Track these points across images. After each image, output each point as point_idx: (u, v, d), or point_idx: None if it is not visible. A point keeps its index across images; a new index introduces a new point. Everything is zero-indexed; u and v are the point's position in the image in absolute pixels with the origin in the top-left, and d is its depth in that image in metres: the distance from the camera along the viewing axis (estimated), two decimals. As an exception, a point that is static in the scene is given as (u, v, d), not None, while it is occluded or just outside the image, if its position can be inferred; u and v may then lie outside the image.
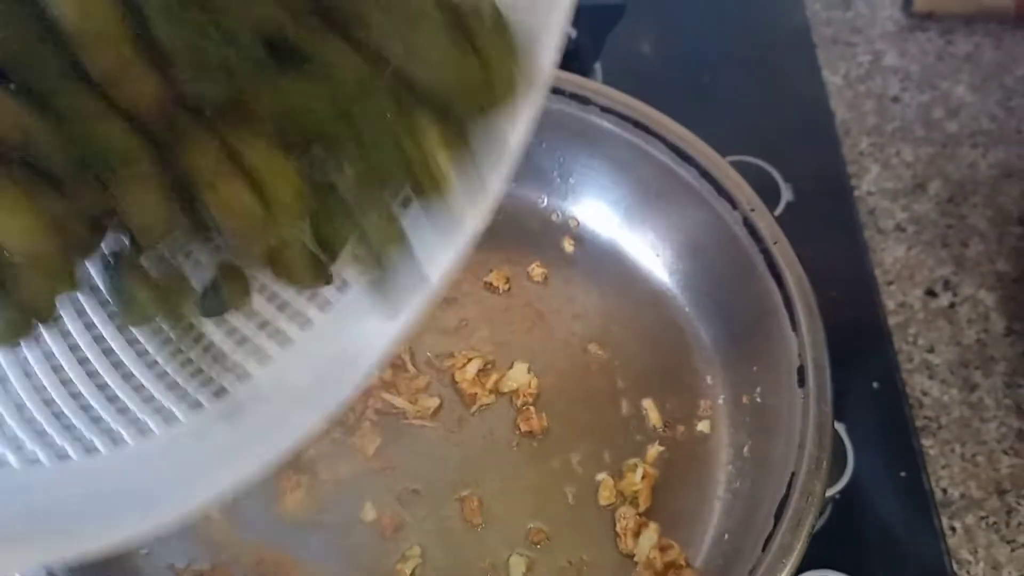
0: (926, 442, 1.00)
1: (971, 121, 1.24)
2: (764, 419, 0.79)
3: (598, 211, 0.97)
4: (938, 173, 1.20)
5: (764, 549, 0.66)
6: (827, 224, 1.14)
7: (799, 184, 1.15)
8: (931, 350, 1.07)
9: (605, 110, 0.87)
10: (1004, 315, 1.09)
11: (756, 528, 0.68)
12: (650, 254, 0.94)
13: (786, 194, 1.13)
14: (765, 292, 0.79)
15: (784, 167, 1.13)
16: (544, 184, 0.98)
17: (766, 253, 0.79)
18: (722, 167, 0.82)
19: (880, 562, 0.92)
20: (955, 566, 0.93)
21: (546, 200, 0.99)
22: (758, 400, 0.81)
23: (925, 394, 1.04)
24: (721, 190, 0.82)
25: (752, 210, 0.80)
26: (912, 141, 1.23)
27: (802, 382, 0.72)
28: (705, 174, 0.83)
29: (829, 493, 0.86)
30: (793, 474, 0.68)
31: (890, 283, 1.11)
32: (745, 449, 0.81)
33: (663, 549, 0.78)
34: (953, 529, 0.96)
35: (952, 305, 1.10)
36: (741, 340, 0.85)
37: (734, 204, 0.82)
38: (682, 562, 0.78)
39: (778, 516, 0.67)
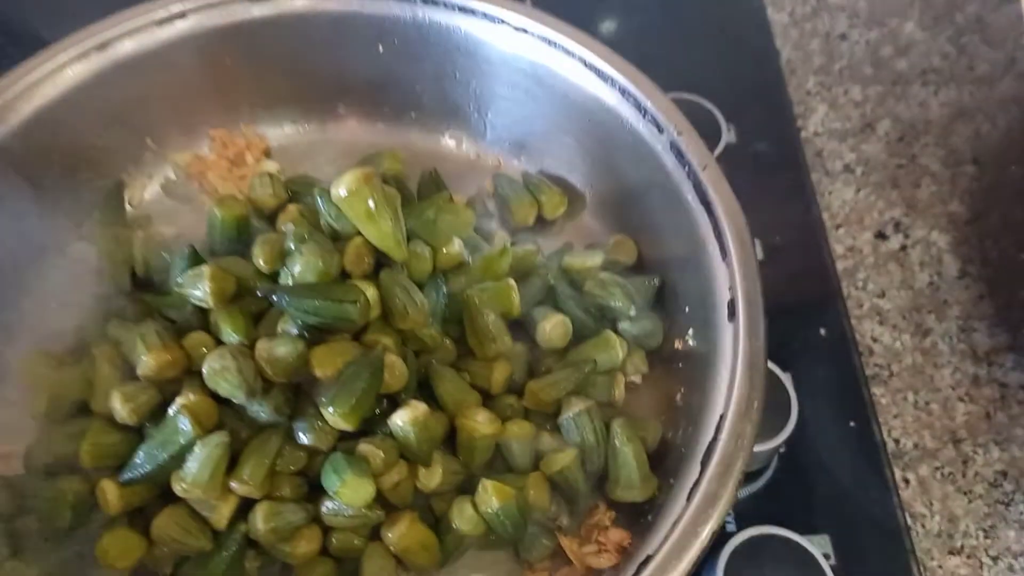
0: (877, 391, 0.93)
1: (921, 59, 1.17)
2: (696, 363, 0.70)
3: (520, 148, 0.89)
4: (888, 113, 1.12)
5: (689, 498, 0.57)
6: (772, 167, 1.06)
7: (742, 125, 1.06)
8: (882, 295, 0.99)
9: (519, 30, 0.78)
10: (957, 257, 1.01)
11: (683, 477, 0.60)
12: (579, 195, 0.86)
13: (727, 135, 1.04)
14: (693, 222, 0.70)
15: (726, 106, 1.05)
16: (460, 122, 0.89)
17: (695, 178, 0.70)
18: (647, 87, 0.74)
19: (829, 518, 0.84)
20: (909, 520, 0.85)
21: (463, 140, 0.91)
22: (690, 344, 0.72)
23: (876, 341, 0.96)
24: (645, 112, 0.73)
25: (679, 134, 0.72)
26: (860, 80, 1.15)
27: (732, 315, 0.64)
28: (627, 94, 0.74)
29: (772, 445, 0.78)
30: (722, 416, 0.60)
31: (838, 227, 1.04)
32: (678, 397, 0.73)
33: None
34: (907, 481, 0.88)
35: (903, 248, 1.02)
36: (673, 278, 0.77)
37: (659, 127, 0.73)
38: (606, 522, 0.70)
39: (704, 463, 0.59)
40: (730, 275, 0.66)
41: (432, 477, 0.66)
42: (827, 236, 1.01)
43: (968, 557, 0.84)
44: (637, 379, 0.77)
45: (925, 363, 0.95)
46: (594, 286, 0.76)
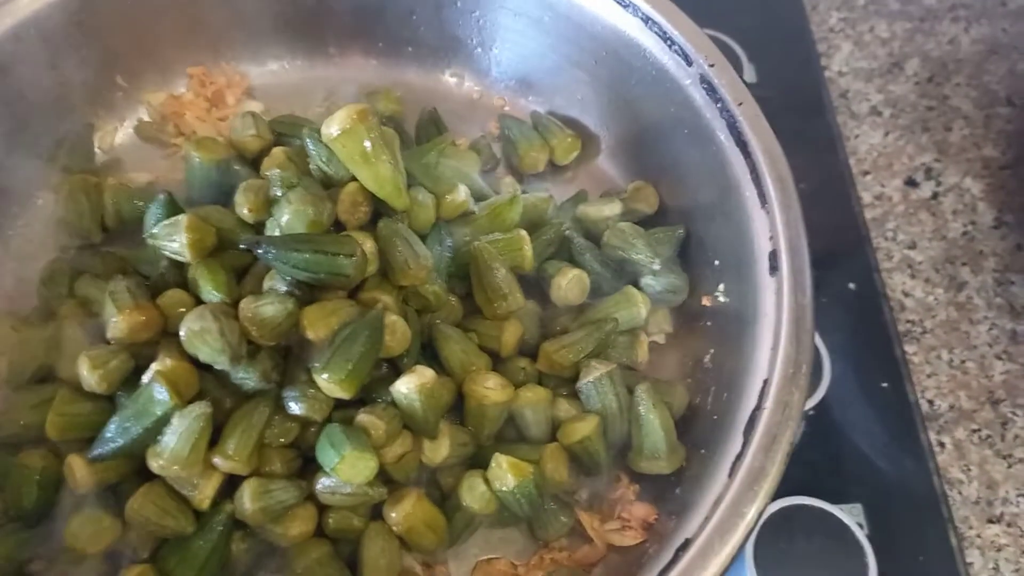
0: (909, 349, 0.86)
1: (952, -7, 1.09)
2: (728, 321, 0.63)
3: (527, 86, 0.80)
4: (916, 51, 1.04)
5: (731, 474, 0.51)
6: (794, 108, 0.97)
7: (762, 63, 0.98)
8: (912, 246, 0.92)
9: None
10: (992, 205, 0.94)
11: (722, 450, 0.53)
12: (593, 137, 0.78)
13: (748, 73, 0.96)
14: (726, 164, 0.63)
15: (745, 43, 0.97)
16: (461, 57, 0.81)
17: (728, 116, 0.62)
18: (673, 14, 0.66)
19: (861, 486, 0.78)
20: (945, 486, 0.79)
21: (465, 77, 0.82)
22: (720, 300, 0.65)
23: (907, 295, 0.89)
24: (672, 42, 0.65)
25: (711, 66, 0.64)
26: (887, 15, 1.07)
27: (774, 268, 0.57)
28: (651, 22, 0.65)
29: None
30: (765, 382, 0.53)
31: (866, 173, 0.96)
32: (707, 359, 0.65)
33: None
34: (942, 445, 0.82)
35: (935, 196, 0.95)
36: (699, 229, 0.69)
37: (688, 59, 0.65)
38: (630, 496, 0.63)
39: (747, 434, 0.52)
40: (771, 223, 0.58)
41: (438, 450, 0.59)
42: (854, 183, 0.94)
43: (1008, 525, 0.78)
44: (660, 339, 0.69)
45: (960, 319, 0.88)
46: (613, 237, 0.68)
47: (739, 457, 0.51)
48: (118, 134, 0.78)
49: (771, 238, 0.58)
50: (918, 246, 0.92)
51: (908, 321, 0.87)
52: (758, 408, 0.52)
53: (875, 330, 0.86)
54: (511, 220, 0.68)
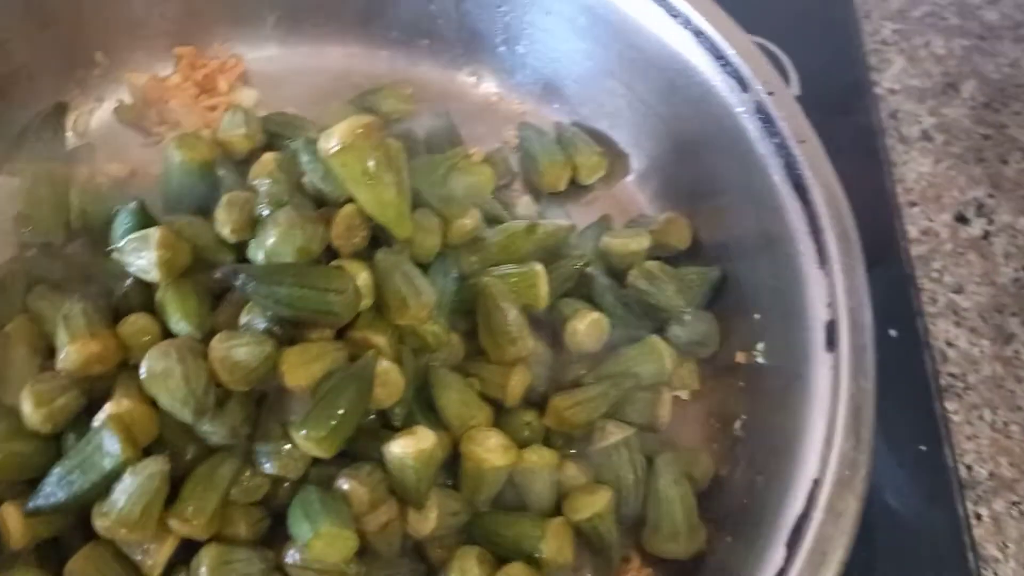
0: (950, 406, 0.77)
1: (1015, 10, 0.99)
2: (767, 386, 0.55)
3: (553, 93, 0.71)
4: (973, 72, 0.95)
5: (771, 595, 0.42)
6: (840, 126, 0.88)
7: (808, 74, 0.89)
8: (959, 290, 0.83)
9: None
10: (1047, 249, 0.86)
11: (757, 554, 0.45)
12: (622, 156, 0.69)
13: (794, 84, 0.87)
14: (779, 210, 0.54)
15: (792, 50, 0.87)
16: (482, 55, 0.71)
17: (786, 155, 0.53)
18: (729, 30, 0.56)
19: (890, 558, 0.70)
20: (979, 563, 0.71)
21: (484, 77, 0.73)
22: (759, 360, 0.56)
23: (951, 345, 0.81)
24: (725, 62, 0.56)
25: (770, 93, 0.55)
26: (944, 30, 0.97)
27: (832, 343, 0.48)
28: (703, 36, 0.56)
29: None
30: (816, 483, 0.44)
31: (913, 204, 0.87)
32: (737, 424, 0.57)
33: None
34: (979, 516, 0.74)
35: (986, 235, 0.86)
36: (738, 273, 0.60)
37: (743, 84, 0.56)
38: (643, 578, 0.55)
39: (792, 545, 0.43)
40: (829, 288, 0.50)
41: (426, 521, 0.51)
42: (900, 215, 0.85)
43: (1046, 612, 0.70)
44: (684, 395, 0.61)
45: (1006, 375, 0.79)
46: (640, 278, 0.60)
47: (781, 573, 0.43)
48: (94, 116, 0.70)
49: (829, 305, 0.49)
50: (965, 290, 0.83)
51: (950, 374, 0.79)
52: (805, 515, 0.44)
53: (915, 383, 0.77)
54: (526, 251, 0.60)
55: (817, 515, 0.44)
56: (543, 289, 0.58)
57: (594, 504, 0.53)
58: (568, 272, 0.61)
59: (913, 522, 0.72)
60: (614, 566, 0.55)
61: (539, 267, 0.58)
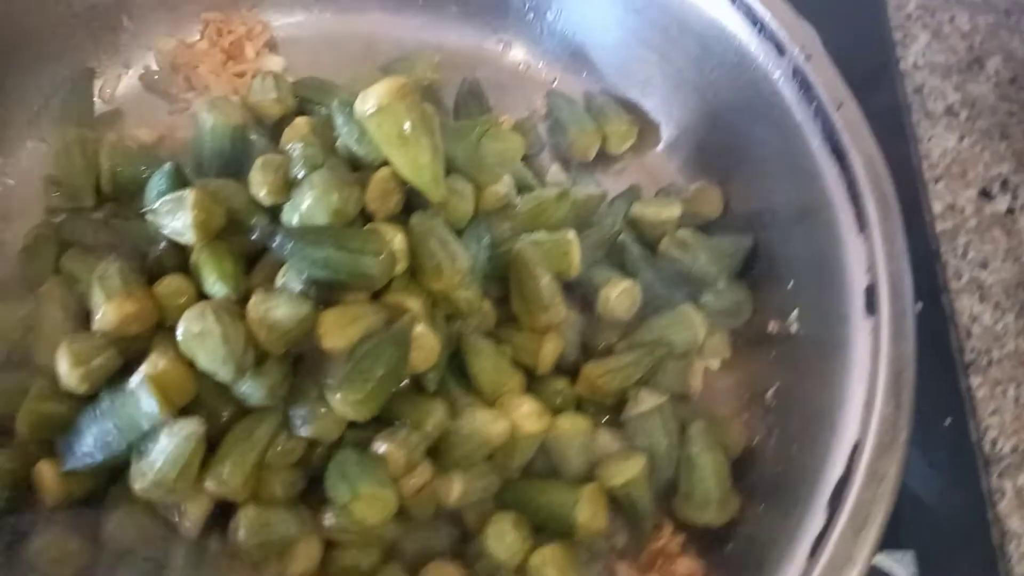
0: (974, 381, 0.77)
1: (1042, -14, 0.98)
2: (801, 355, 0.54)
3: (583, 61, 0.70)
4: (1000, 47, 0.94)
5: (813, 555, 0.42)
6: (865, 102, 0.87)
7: (833, 49, 0.88)
8: (984, 265, 0.83)
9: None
10: (1073, 226, 0.85)
11: (796, 518, 0.45)
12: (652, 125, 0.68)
13: (819, 59, 0.86)
14: (816, 176, 0.53)
15: (817, 22, 0.86)
16: (510, 22, 0.71)
17: (824, 121, 0.53)
18: (766, -6, 0.56)
19: (914, 531, 0.70)
20: (1004, 538, 0.71)
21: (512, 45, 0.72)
22: (792, 329, 0.56)
23: (975, 320, 0.80)
24: (762, 26, 0.55)
25: (808, 59, 0.54)
26: (969, 6, 0.96)
27: (872, 308, 0.48)
28: (737, 1, 0.56)
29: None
30: (856, 446, 0.44)
31: (937, 180, 0.86)
32: (769, 394, 0.57)
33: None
34: (1003, 492, 0.74)
35: (1011, 211, 0.85)
36: (771, 242, 0.60)
37: (780, 48, 0.55)
38: (674, 548, 0.55)
39: (833, 507, 0.43)
40: (869, 253, 0.49)
41: (451, 489, 0.51)
42: (925, 191, 0.85)
43: (1070, 586, 0.70)
44: (715, 364, 0.61)
45: (1031, 350, 0.79)
46: (672, 247, 0.59)
47: (822, 536, 0.43)
48: (121, 83, 0.69)
49: (868, 271, 0.49)
50: (989, 266, 0.82)
51: (974, 349, 0.79)
52: (846, 478, 0.44)
53: (939, 358, 0.77)
54: (558, 218, 0.59)
55: (858, 478, 0.44)
56: (575, 257, 0.57)
57: (628, 470, 0.53)
58: (600, 240, 0.61)
59: (937, 496, 0.72)
60: (647, 533, 0.54)
61: (572, 234, 0.58)
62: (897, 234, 0.49)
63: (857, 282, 0.49)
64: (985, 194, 0.86)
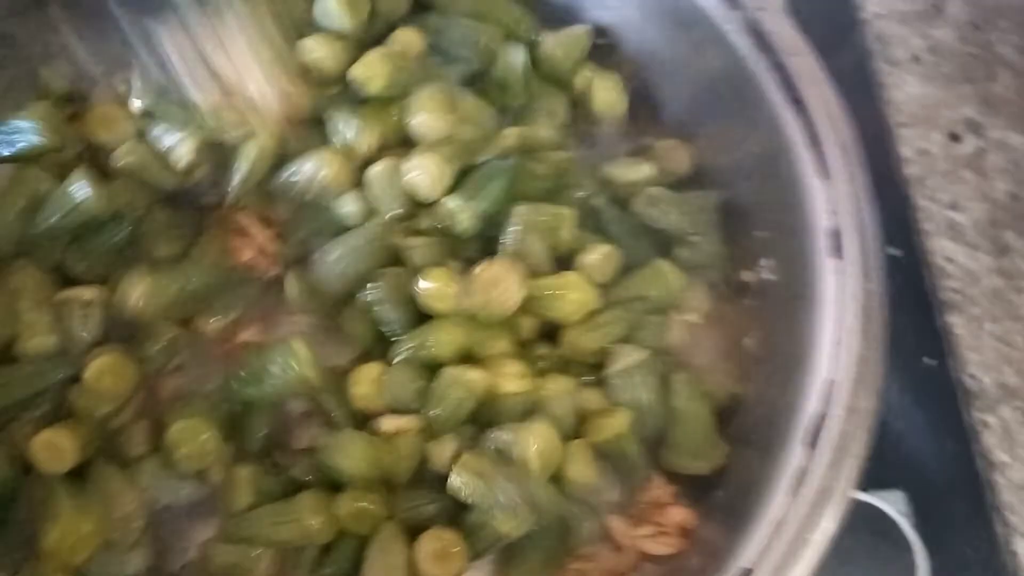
0: (952, 320, 0.79)
1: (996, -72, 0.99)
2: (774, 300, 0.55)
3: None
4: (959, -9, 0.95)
5: (794, 492, 0.43)
6: (827, 53, 0.88)
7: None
8: (955, 207, 0.84)
9: None
10: (1040, 162, 0.86)
11: (777, 458, 0.46)
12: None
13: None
14: (776, 126, 0.54)
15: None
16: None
17: (780, 71, 0.54)
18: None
19: (902, 471, 0.72)
20: (989, 470, 0.72)
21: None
22: (765, 276, 0.57)
23: (950, 261, 0.81)
24: (714, -20, 0.56)
25: (761, 9, 0.55)
26: (926, -49, 0.97)
27: (836, 249, 0.49)
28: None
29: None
30: (831, 382, 0.45)
31: (905, 126, 0.87)
32: (747, 341, 0.58)
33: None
34: (986, 425, 0.75)
35: (979, 152, 0.86)
36: (739, 194, 0.61)
37: (733, 2, 0.56)
38: (666, 498, 0.56)
39: (811, 443, 0.44)
40: (831, 196, 0.50)
41: (444, 452, 0.52)
42: (893, 137, 0.86)
43: (1057, 512, 0.72)
44: (695, 318, 0.62)
45: (1005, 287, 0.80)
46: (645, 204, 0.60)
47: (802, 472, 0.44)
48: None
49: (832, 214, 0.50)
50: (961, 207, 0.84)
51: (951, 289, 0.80)
52: (823, 414, 0.45)
53: (916, 299, 0.78)
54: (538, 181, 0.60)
55: (835, 413, 0.45)
56: (568, 234, 0.58)
57: (614, 425, 0.54)
58: (574, 203, 0.61)
59: (922, 435, 0.73)
60: (638, 486, 0.56)
61: (567, 211, 0.58)
62: (858, 176, 0.50)
63: (821, 225, 0.50)
64: (953, 137, 0.87)
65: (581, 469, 0.53)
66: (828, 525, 0.42)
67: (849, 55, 0.89)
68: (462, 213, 0.56)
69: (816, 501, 0.43)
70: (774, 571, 0.41)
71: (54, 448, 0.50)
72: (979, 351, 0.77)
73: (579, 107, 0.67)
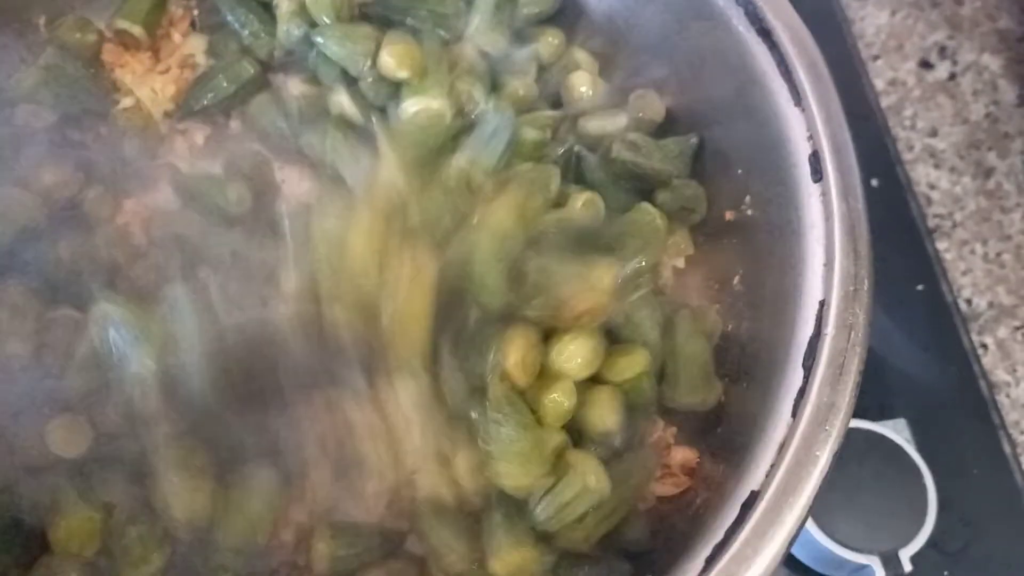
0: (941, 245, 0.80)
1: None
2: (758, 236, 0.56)
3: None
4: (918, -82, 0.96)
5: (795, 413, 0.44)
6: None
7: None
8: (933, 133, 0.85)
9: None
10: (1013, 81, 0.87)
11: (775, 384, 0.47)
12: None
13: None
14: (746, 58, 0.55)
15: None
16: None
17: (746, 2, 0.54)
18: None
19: (903, 399, 0.73)
20: (992, 390, 0.74)
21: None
22: (748, 213, 0.58)
23: (933, 187, 0.83)
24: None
25: (720, -56, 0.55)
26: None
27: (818, 172, 0.49)
28: None
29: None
30: (822, 303, 0.46)
31: (876, 57, 0.88)
32: (735, 280, 0.59)
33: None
34: (984, 346, 0.77)
35: (952, 76, 0.88)
36: (715, 136, 0.62)
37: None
38: (669, 439, 0.57)
39: (808, 365, 0.45)
40: (808, 122, 0.51)
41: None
42: (865, 69, 0.87)
43: (1062, 425, 0.73)
44: (680, 263, 0.62)
45: (991, 207, 0.82)
46: (623, 149, 0.60)
47: (802, 393, 0.45)
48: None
49: (810, 138, 0.51)
50: (939, 132, 0.85)
51: (936, 216, 0.81)
52: (817, 334, 0.46)
53: (903, 228, 0.80)
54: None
55: (829, 332, 0.45)
56: (554, 189, 0.59)
57: (637, 364, 0.54)
58: (557, 155, 0.62)
59: (920, 363, 0.74)
60: (650, 425, 0.56)
61: (554, 169, 0.59)
62: (831, 99, 0.51)
63: (801, 151, 0.51)
64: (925, 64, 0.88)
65: (604, 415, 0.53)
66: (833, 441, 0.42)
67: (815, -7, 0.90)
68: (475, 169, 0.56)
69: (819, 420, 0.43)
70: (782, 490, 0.42)
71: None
72: (971, 274, 0.78)
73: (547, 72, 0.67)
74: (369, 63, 0.60)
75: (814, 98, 0.51)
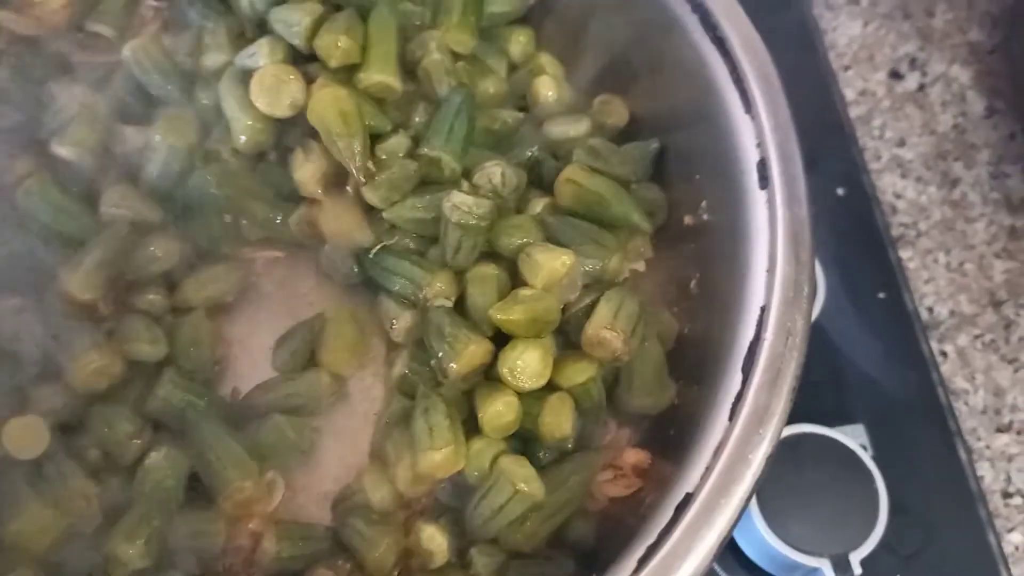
0: (904, 254, 0.81)
1: None
2: (714, 241, 0.57)
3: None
4: (892, -70, 0.97)
5: (732, 416, 0.45)
6: (770, 8, 0.90)
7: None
8: (901, 143, 0.86)
9: None
10: (982, 93, 0.88)
11: (718, 387, 0.48)
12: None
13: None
14: (701, 66, 0.56)
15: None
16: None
17: (700, 10, 0.56)
18: None
19: (862, 405, 0.74)
20: (951, 397, 0.75)
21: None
22: (705, 218, 0.59)
23: (899, 196, 0.84)
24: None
25: (679, -45, 0.56)
26: None
27: (764, 179, 0.50)
28: None
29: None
30: (763, 308, 0.47)
31: (846, 68, 0.90)
32: (692, 284, 0.60)
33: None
34: (944, 354, 0.78)
35: (921, 87, 0.89)
36: (675, 141, 0.63)
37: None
38: (622, 442, 0.58)
39: (747, 368, 0.46)
40: (757, 129, 0.52)
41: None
42: (835, 79, 0.88)
43: (1018, 433, 0.74)
44: (640, 266, 0.63)
45: (955, 217, 0.83)
46: (586, 156, 0.61)
47: (740, 396, 0.46)
48: None
49: (758, 146, 0.52)
50: (907, 143, 0.86)
51: (902, 224, 0.82)
52: (757, 339, 0.47)
53: (867, 237, 0.81)
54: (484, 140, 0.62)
55: (768, 336, 0.46)
56: (520, 191, 0.61)
57: (588, 369, 0.55)
58: (522, 161, 0.63)
59: (880, 369, 0.75)
60: (603, 428, 0.57)
61: (520, 172, 0.61)
62: (781, 108, 0.52)
63: (750, 159, 0.52)
64: (895, 74, 0.89)
65: (558, 422, 0.54)
66: (767, 445, 0.43)
67: (794, 7, 0.91)
68: (444, 156, 0.57)
69: (754, 423, 0.44)
70: (716, 492, 0.43)
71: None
72: (934, 282, 0.79)
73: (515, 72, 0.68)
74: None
75: (764, 106, 0.52)
